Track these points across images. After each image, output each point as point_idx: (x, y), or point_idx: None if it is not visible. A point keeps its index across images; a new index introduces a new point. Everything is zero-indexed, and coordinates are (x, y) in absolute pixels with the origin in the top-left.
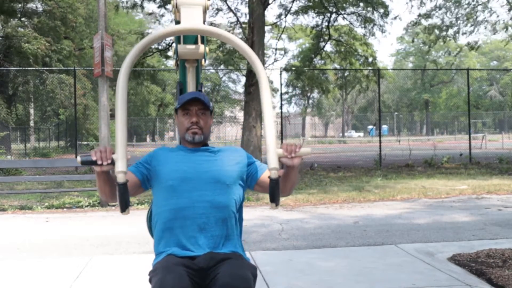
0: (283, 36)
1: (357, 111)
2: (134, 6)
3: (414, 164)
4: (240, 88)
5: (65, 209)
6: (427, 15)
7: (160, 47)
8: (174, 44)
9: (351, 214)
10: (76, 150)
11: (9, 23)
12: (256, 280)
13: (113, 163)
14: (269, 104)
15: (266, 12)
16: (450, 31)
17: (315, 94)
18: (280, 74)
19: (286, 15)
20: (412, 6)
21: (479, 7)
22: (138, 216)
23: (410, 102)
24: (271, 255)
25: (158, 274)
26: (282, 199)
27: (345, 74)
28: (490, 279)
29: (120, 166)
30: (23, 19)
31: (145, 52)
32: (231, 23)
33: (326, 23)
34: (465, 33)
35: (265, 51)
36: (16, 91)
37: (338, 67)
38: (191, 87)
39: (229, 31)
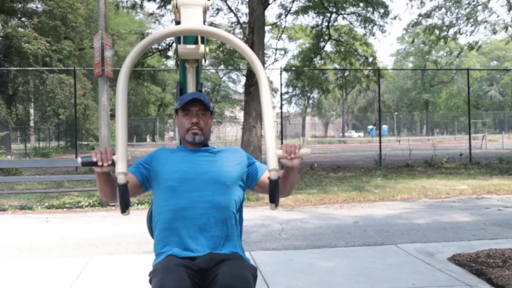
0: (283, 36)
1: (357, 111)
2: (134, 6)
3: (414, 164)
4: (240, 88)
5: (65, 209)
6: (427, 15)
7: (160, 47)
8: (174, 44)
9: (351, 214)
10: (76, 150)
11: (9, 23)
12: (256, 280)
13: (113, 164)
14: (269, 105)
15: (266, 12)
16: (451, 31)
17: (315, 94)
18: (280, 74)
19: (286, 15)
20: (412, 6)
21: (479, 7)
22: (138, 216)
23: (410, 102)
24: (271, 255)
25: (158, 274)
26: (282, 199)
27: (345, 74)
28: (490, 279)
29: (121, 167)
30: (23, 19)
31: (145, 52)
32: (232, 23)
33: (326, 23)
34: (464, 32)
35: (265, 51)
36: (16, 91)
37: (338, 67)
38: (191, 87)
39: (229, 31)
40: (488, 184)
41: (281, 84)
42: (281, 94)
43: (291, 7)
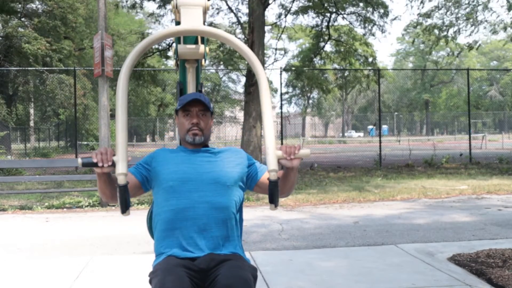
0: (283, 36)
1: (357, 111)
2: (134, 6)
3: (414, 164)
4: (240, 88)
5: (65, 209)
6: (427, 15)
7: (160, 47)
8: (174, 44)
9: (351, 214)
10: (76, 150)
11: (10, 23)
12: (256, 281)
13: (113, 164)
14: (268, 106)
15: (266, 12)
16: (451, 31)
17: (315, 94)
18: (280, 74)
19: (286, 15)
20: (412, 7)
21: (479, 7)
22: (138, 216)
23: (410, 102)
24: (271, 255)
25: (158, 275)
26: (282, 199)
27: (345, 74)
28: (490, 279)
29: (121, 168)
30: (23, 19)
31: (145, 52)
32: (232, 23)
33: (326, 23)
34: (464, 32)
35: (265, 51)
36: (16, 91)
37: (338, 67)
38: (191, 87)
39: (229, 32)
40: (488, 184)
41: (281, 84)
42: (281, 94)
43: (291, 7)
